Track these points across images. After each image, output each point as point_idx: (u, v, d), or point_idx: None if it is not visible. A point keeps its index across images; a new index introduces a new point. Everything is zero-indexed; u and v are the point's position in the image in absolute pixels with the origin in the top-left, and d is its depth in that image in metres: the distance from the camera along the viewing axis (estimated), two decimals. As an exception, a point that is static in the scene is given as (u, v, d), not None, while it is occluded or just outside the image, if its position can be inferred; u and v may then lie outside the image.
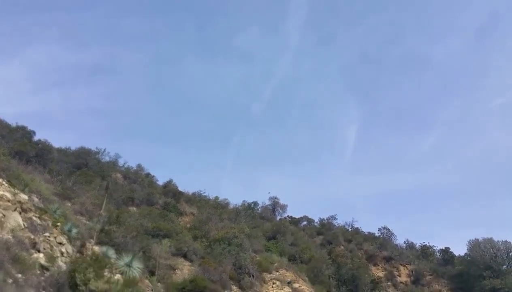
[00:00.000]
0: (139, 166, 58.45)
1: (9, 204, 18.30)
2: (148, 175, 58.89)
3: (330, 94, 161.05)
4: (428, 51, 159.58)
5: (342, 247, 58.78)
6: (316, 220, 72.48)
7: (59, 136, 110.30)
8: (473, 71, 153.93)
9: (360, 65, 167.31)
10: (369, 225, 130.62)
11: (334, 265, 50.19)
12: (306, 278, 43.26)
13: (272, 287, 37.98)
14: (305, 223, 72.27)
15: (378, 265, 58.40)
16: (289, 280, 39.82)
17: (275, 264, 41.97)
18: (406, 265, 58.38)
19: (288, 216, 71.63)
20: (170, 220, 42.96)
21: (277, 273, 40.48)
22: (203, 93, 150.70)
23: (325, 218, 71.22)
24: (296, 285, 39.48)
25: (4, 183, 19.82)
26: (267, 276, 39.16)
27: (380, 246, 61.38)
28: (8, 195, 18.79)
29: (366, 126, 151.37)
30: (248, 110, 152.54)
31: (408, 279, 56.14)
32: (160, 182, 58.80)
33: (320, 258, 50.45)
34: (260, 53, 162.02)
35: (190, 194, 59.85)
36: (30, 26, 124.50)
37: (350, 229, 69.31)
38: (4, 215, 17.03)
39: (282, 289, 37.87)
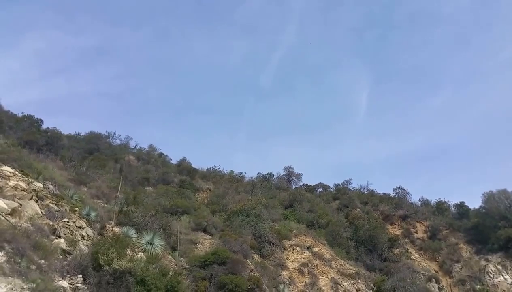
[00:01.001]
0: (151, 146, 58.79)
1: (25, 193, 18.23)
2: (161, 154, 59.19)
3: (338, 59, 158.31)
4: (436, 7, 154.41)
5: (358, 210, 58.93)
6: (331, 186, 72.67)
7: (67, 122, 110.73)
8: (483, 25, 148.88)
9: (368, 27, 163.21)
10: (384, 187, 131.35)
11: (351, 228, 50.66)
12: (325, 242, 43.60)
13: (293, 252, 38.36)
14: (320, 189, 72.31)
15: (395, 224, 58.81)
16: (308, 245, 40.15)
17: (294, 231, 42.26)
18: (422, 222, 58.68)
19: (303, 184, 71.80)
20: (187, 197, 43.23)
21: (296, 239, 40.80)
22: (209, 68, 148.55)
23: (340, 183, 71.50)
24: (315, 249, 39.80)
25: (17, 172, 19.73)
26: (286, 243, 39.48)
27: (396, 206, 61.59)
28: (23, 184, 18.71)
29: (377, 89, 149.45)
30: (256, 82, 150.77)
31: (425, 235, 56.49)
32: (174, 161, 59.16)
33: (337, 221, 50.81)
34: (264, 23, 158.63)
35: (205, 170, 60.31)
36: (25, 12, 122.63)
37: (365, 192, 69.53)
38: (20, 204, 16.97)
39: (302, 253, 38.25)
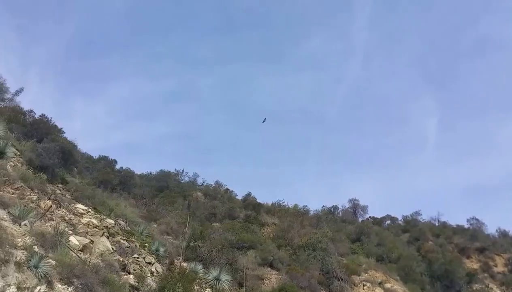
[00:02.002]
0: (217, 182, 59.98)
1: (97, 229, 19.08)
2: (227, 190, 60.06)
3: (403, 89, 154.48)
4: (502, 31, 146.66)
5: (430, 243, 55.88)
6: (400, 218, 69.80)
7: (142, 163, 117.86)
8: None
9: (432, 55, 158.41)
10: (457, 218, 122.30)
11: (424, 262, 47.69)
12: (397, 277, 40.85)
13: (363, 289, 36.08)
14: (388, 222, 69.62)
15: (472, 257, 55.09)
16: (379, 280, 37.64)
17: (363, 266, 40.09)
18: (502, 254, 54.62)
19: (370, 216, 69.40)
20: (252, 231, 42.98)
21: (366, 274, 38.53)
22: (275, 105, 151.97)
23: (409, 215, 68.65)
24: (388, 285, 37.17)
25: (90, 210, 20.83)
26: (356, 278, 37.33)
27: (471, 238, 58.19)
28: (95, 221, 19.63)
29: (446, 117, 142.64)
30: (322, 116, 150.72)
31: (506, 269, 52.40)
32: (239, 196, 59.81)
33: (409, 255, 47.84)
34: (328, 59, 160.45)
35: (270, 204, 60.00)
36: (109, 64, 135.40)
37: (437, 224, 66.08)
38: (92, 241, 17.72)
39: (374, 290, 35.91)
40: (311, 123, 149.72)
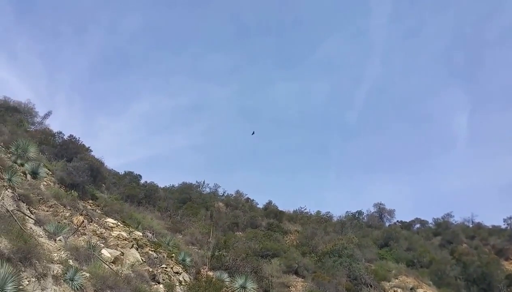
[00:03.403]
0: (237, 192, 60.45)
1: (126, 242, 19.89)
2: (248, 200, 60.47)
3: (427, 85, 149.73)
4: None
5: (465, 245, 53.73)
6: (430, 220, 67.24)
7: (164, 176, 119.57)
8: None
9: (457, 47, 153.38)
10: (492, 218, 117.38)
11: (459, 265, 45.62)
12: (430, 282, 39.83)
13: (394, 295, 35.53)
14: (418, 225, 67.41)
15: (511, 259, 52.19)
16: (411, 286, 36.93)
17: (393, 271, 39.42)
18: None
19: (397, 221, 67.61)
20: (276, 239, 43.19)
21: (396, 280, 37.88)
22: (293, 111, 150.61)
23: (440, 217, 65.81)
24: (420, 291, 36.45)
25: (119, 223, 21.70)
26: (386, 284, 36.77)
27: (510, 238, 55.13)
28: (124, 234, 20.46)
29: (476, 111, 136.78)
30: (342, 119, 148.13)
31: None
32: (260, 205, 60.10)
33: (441, 259, 46.32)
34: (345, 60, 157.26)
35: (291, 212, 60.11)
36: (129, 82, 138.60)
37: (470, 225, 63.54)
38: (122, 253, 18.51)
39: (406, 296, 35.31)
40: (331, 128, 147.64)
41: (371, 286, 35.12)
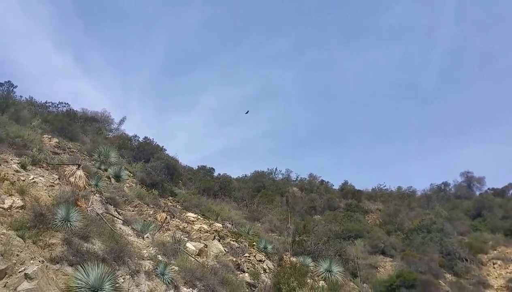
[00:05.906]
0: (311, 175, 59.57)
1: (208, 234, 20.25)
2: (322, 182, 59.37)
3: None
4: None
5: None
6: (527, 184, 60.72)
7: (236, 166, 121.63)
8: None
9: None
10: None
11: None
12: (535, 251, 36.00)
13: (494, 267, 32.76)
14: (512, 191, 61.52)
15: None
16: (512, 256, 33.80)
17: (490, 243, 36.46)
18: None
19: (489, 188, 61.99)
20: (356, 220, 41.94)
21: (495, 251, 35.03)
22: (362, 85, 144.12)
23: None
24: (524, 262, 33.12)
25: (199, 217, 22.18)
26: (483, 257, 34.06)
27: None
28: (205, 227, 20.84)
29: None
30: (417, 87, 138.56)
31: None
32: (336, 186, 58.72)
33: (546, 224, 41.64)
34: (415, 23, 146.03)
35: (370, 190, 58.11)
36: (195, 78, 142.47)
37: None
38: (206, 245, 18.85)
39: (507, 267, 32.34)
40: (405, 97, 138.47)
41: (466, 260, 32.76)
